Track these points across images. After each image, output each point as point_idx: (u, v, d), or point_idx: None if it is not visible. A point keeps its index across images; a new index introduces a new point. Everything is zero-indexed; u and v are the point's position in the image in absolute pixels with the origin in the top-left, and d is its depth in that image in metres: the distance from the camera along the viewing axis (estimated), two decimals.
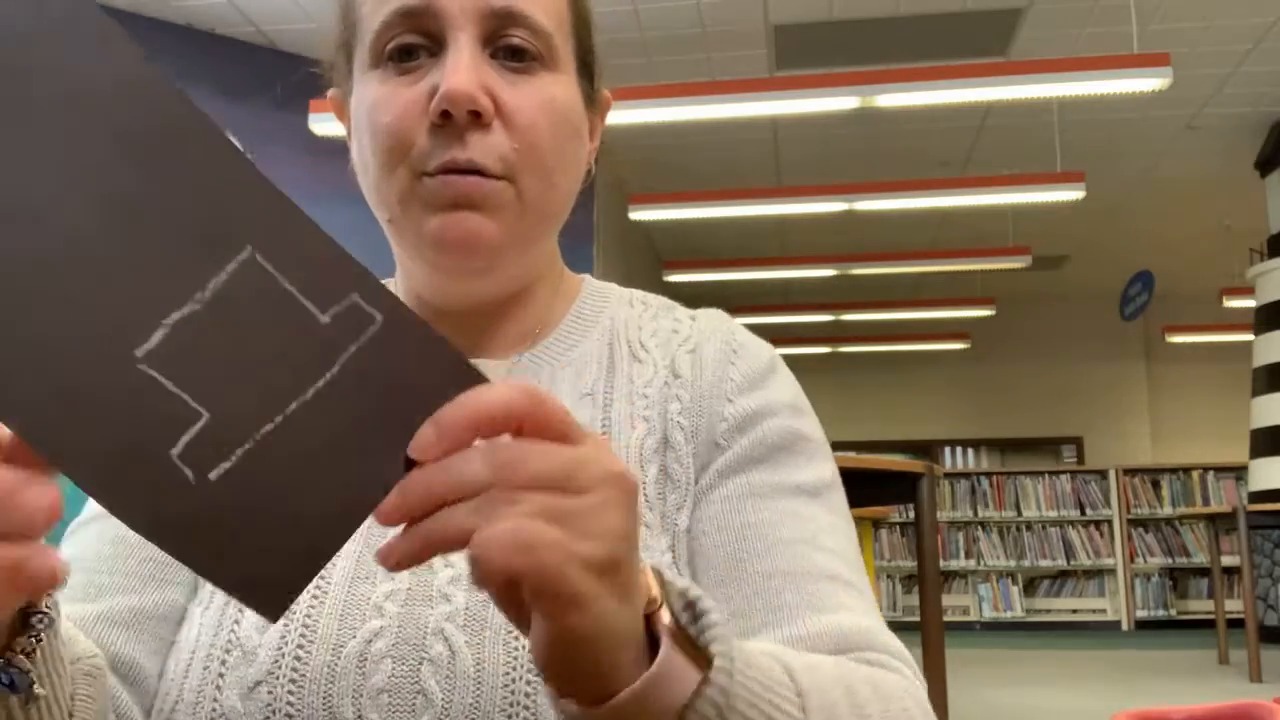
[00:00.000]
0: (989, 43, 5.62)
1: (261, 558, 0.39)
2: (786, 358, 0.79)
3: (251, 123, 5.37)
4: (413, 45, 0.66)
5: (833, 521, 0.68)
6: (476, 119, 0.64)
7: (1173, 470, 9.00)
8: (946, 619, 8.71)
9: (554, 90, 0.68)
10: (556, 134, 0.68)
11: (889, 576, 8.88)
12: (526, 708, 0.58)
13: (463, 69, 0.63)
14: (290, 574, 0.40)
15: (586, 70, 0.73)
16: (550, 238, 0.74)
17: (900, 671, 0.61)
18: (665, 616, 0.46)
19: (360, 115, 0.68)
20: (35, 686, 0.50)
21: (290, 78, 5.36)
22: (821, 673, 0.52)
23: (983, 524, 9.04)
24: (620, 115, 4.72)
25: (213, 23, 5.30)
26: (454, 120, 0.64)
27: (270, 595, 0.40)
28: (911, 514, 2.99)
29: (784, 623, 0.62)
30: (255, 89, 5.42)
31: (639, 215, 6.42)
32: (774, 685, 0.48)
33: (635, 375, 0.72)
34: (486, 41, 0.66)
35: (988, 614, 8.88)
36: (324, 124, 4.63)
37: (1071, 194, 5.89)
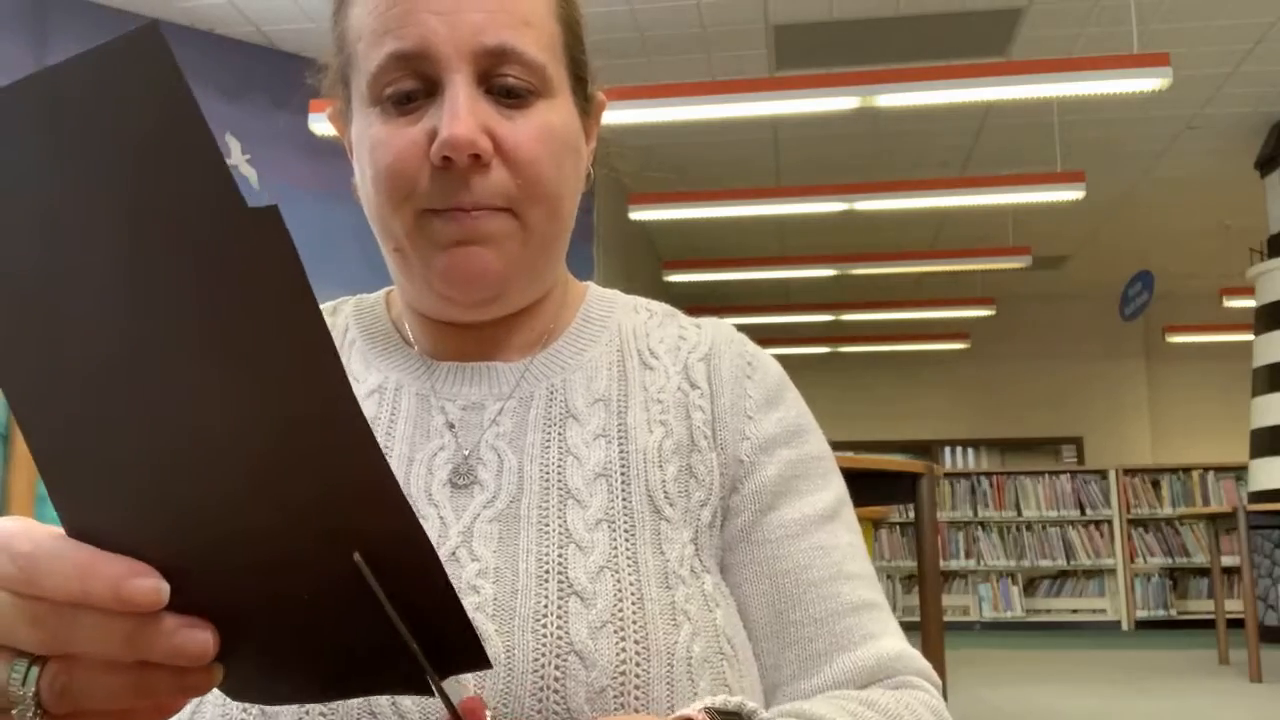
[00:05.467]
0: (989, 43, 5.63)
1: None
2: (786, 357, 0.81)
3: (251, 123, 5.37)
4: (410, 91, 0.67)
5: (850, 540, 0.74)
6: (477, 160, 0.65)
7: (1173, 470, 9.00)
8: (946, 619, 8.71)
9: (550, 118, 0.69)
10: (556, 162, 0.69)
11: (889, 576, 8.87)
12: (556, 691, 0.60)
13: (461, 114, 0.65)
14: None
15: (580, 82, 0.74)
16: (557, 258, 0.75)
17: (924, 688, 0.68)
18: None
19: (362, 150, 0.70)
20: None
21: (291, 78, 5.36)
22: None
23: (983, 524, 9.04)
24: (620, 115, 4.71)
25: (213, 23, 5.30)
26: (455, 164, 0.65)
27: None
28: (911, 514, 2.99)
29: (815, 671, 0.68)
30: (255, 89, 5.41)
31: (639, 215, 6.42)
32: None
33: (648, 382, 0.74)
34: (481, 79, 0.67)
35: (988, 614, 8.88)
36: (324, 124, 4.62)
37: (1071, 194, 5.90)
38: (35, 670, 0.40)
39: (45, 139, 0.35)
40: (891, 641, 0.70)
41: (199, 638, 0.39)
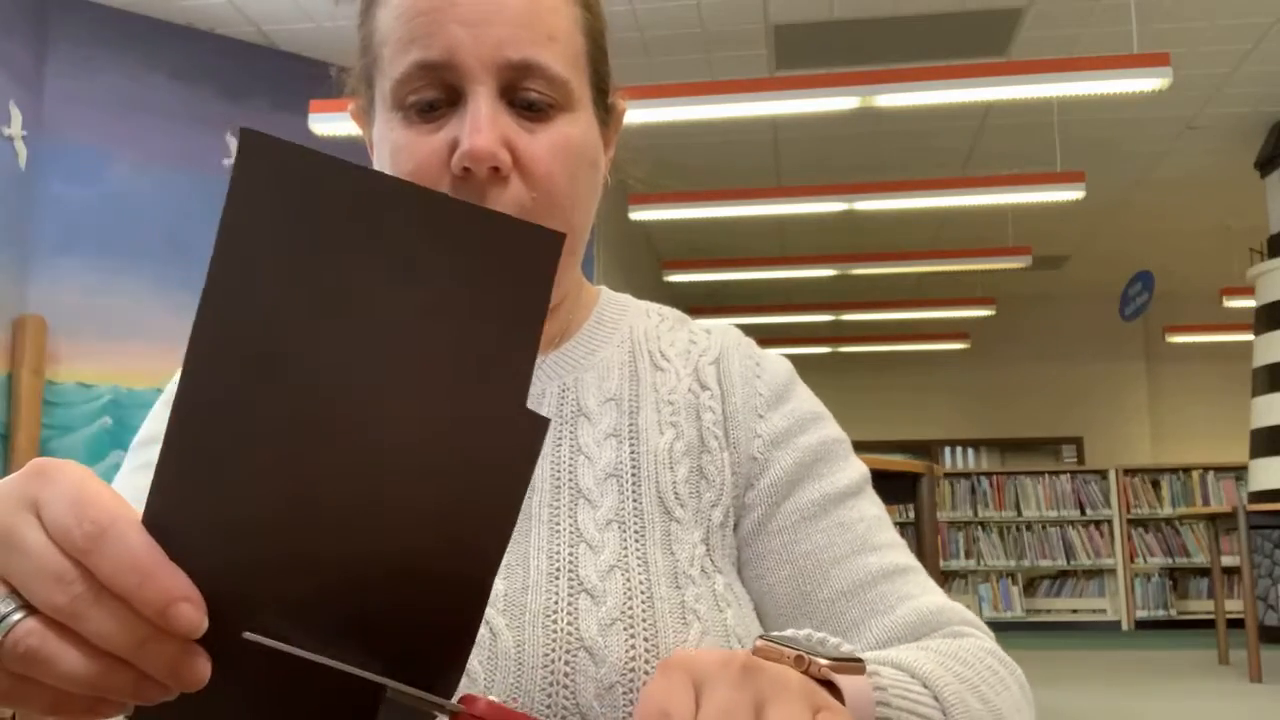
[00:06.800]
0: (989, 43, 5.62)
1: None
2: (786, 358, 0.81)
3: (251, 123, 5.36)
4: (433, 100, 0.67)
5: (875, 514, 0.74)
6: (496, 172, 0.66)
7: (1173, 470, 9.00)
8: None
9: (570, 131, 0.69)
10: (573, 176, 0.70)
11: None
12: (565, 687, 0.61)
13: (483, 127, 0.65)
14: None
15: (601, 94, 0.75)
16: (572, 266, 0.76)
17: (975, 635, 0.68)
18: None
19: (383, 153, 0.70)
20: None
21: (291, 78, 5.36)
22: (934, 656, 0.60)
23: (983, 524, 9.04)
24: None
25: (212, 23, 5.30)
26: (474, 175, 0.66)
27: None
28: (911, 514, 2.99)
29: (853, 639, 0.68)
30: (255, 89, 5.41)
31: (639, 215, 6.42)
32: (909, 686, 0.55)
33: (659, 384, 0.75)
34: (504, 91, 0.67)
35: (988, 614, 8.87)
36: (324, 124, 4.62)
37: (1071, 194, 5.89)
38: (16, 618, 0.37)
39: (411, 243, 0.38)
40: (931, 598, 0.70)
41: (201, 667, 0.38)
